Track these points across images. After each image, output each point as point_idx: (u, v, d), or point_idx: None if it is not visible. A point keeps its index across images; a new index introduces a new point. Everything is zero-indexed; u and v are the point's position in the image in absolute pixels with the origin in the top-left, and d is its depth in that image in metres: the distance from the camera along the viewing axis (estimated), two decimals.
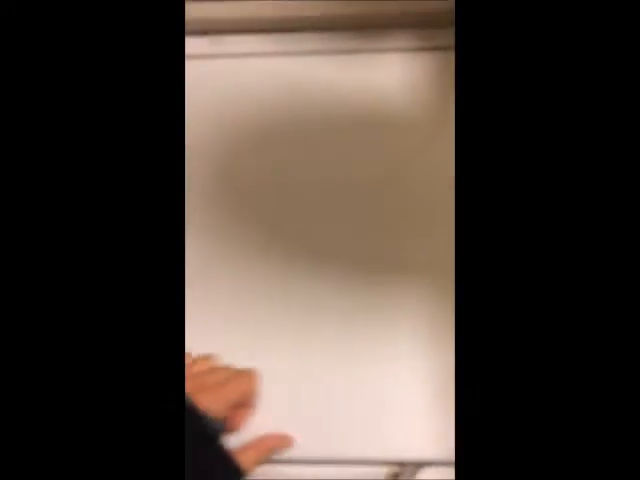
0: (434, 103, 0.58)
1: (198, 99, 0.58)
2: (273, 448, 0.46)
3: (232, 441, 0.45)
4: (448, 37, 0.59)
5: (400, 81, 0.59)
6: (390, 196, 0.55)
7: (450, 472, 0.45)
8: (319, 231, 0.54)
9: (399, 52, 0.60)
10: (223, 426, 0.44)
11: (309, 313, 0.51)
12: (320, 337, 0.50)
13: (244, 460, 0.43)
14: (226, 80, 0.59)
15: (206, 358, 0.49)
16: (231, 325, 0.51)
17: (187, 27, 0.58)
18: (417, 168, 0.56)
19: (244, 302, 0.52)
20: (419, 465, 0.46)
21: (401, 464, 0.46)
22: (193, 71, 0.57)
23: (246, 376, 0.47)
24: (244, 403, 0.46)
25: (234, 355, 0.49)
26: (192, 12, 0.57)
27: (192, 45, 0.58)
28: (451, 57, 0.54)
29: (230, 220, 0.55)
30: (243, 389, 0.46)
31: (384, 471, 0.46)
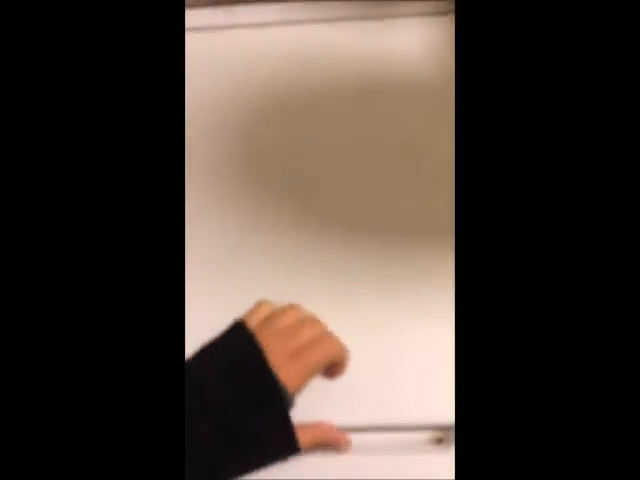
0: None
1: (215, 70, 0.57)
2: (329, 442, 0.44)
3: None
4: None
5: (421, 46, 0.58)
6: (416, 161, 0.54)
7: None
8: (349, 199, 0.53)
9: (419, 17, 0.59)
10: (293, 401, 0.42)
11: (345, 280, 0.50)
12: (358, 303, 0.49)
13: (301, 438, 0.41)
14: (245, 50, 0.59)
15: (293, 308, 0.45)
16: (267, 296, 0.50)
17: None
18: (441, 132, 0.55)
19: (279, 274, 0.51)
20: None
21: (445, 429, 0.46)
22: (209, 42, 0.56)
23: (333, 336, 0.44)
24: (335, 364, 0.44)
25: None
26: None
27: (207, 16, 0.57)
28: None
29: (260, 192, 0.54)
30: (329, 352, 0.43)
31: (428, 436, 0.46)
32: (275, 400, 0.40)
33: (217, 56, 0.58)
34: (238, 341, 0.42)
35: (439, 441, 0.45)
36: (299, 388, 0.42)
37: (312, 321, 0.45)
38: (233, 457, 0.40)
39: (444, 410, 0.45)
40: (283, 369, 0.41)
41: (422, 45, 0.58)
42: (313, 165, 0.54)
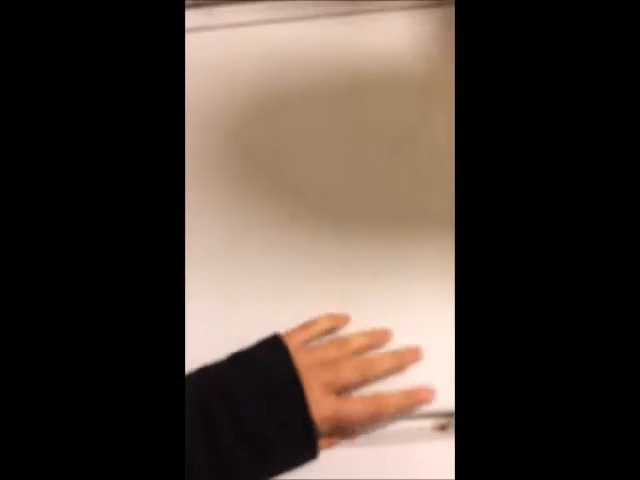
0: (443, 58, 0.57)
1: (207, 70, 0.58)
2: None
3: None
4: None
5: (408, 39, 0.58)
6: (408, 153, 0.54)
7: None
8: (342, 192, 0.53)
9: (403, 10, 0.60)
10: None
11: (344, 272, 0.50)
12: (358, 295, 0.49)
13: (322, 443, 0.43)
14: (233, 49, 0.59)
15: (343, 340, 0.46)
16: (266, 291, 0.50)
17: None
18: (433, 124, 0.55)
19: (278, 268, 0.51)
20: None
21: (448, 415, 0.46)
22: (197, 43, 0.57)
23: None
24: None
25: (278, 323, 0.47)
26: None
27: (193, 18, 0.58)
28: None
29: (252, 190, 0.54)
30: (374, 416, 0.43)
31: (431, 423, 0.46)
32: (304, 428, 0.41)
33: (207, 56, 0.58)
34: (277, 364, 0.43)
35: (443, 428, 0.45)
36: (330, 426, 0.43)
37: (360, 360, 0.45)
38: (255, 464, 0.41)
39: (447, 396, 0.45)
40: (319, 407, 0.42)
41: (410, 39, 0.58)
42: (306, 161, 0.54)
